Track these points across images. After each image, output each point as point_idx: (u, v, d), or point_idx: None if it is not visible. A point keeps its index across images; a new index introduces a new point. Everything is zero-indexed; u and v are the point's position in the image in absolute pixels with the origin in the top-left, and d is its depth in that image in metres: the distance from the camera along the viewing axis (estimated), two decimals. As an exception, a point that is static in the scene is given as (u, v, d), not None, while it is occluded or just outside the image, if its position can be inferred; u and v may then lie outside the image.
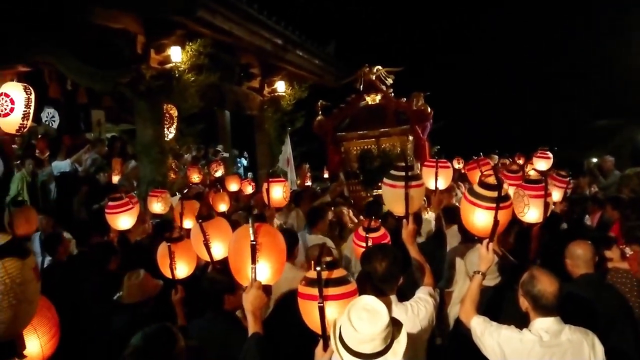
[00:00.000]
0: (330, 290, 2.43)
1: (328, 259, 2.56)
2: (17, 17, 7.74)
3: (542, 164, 8.46)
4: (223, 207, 7.43)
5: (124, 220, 5.67)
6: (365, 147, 10.33)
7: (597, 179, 10.73)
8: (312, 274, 2.47)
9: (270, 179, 5.95)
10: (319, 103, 10.51)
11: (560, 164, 9.47)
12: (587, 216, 7.35)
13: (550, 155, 8.43)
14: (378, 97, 10.21)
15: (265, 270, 2.64)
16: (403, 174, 3.50)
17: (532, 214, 4.05)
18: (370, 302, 2.19)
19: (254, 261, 2.57)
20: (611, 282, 4.18)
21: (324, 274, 2.44)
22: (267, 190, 5.82)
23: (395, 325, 2.20)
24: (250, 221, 2.60)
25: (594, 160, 15.24)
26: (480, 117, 20.95)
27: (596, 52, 20.44)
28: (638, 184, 9.71)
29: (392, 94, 10.36)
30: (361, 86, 10.29)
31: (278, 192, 5.92)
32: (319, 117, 10.28)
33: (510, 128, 21.04)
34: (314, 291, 2.41)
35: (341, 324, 2.18)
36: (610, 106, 19.89)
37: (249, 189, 9.15)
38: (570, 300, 3.35)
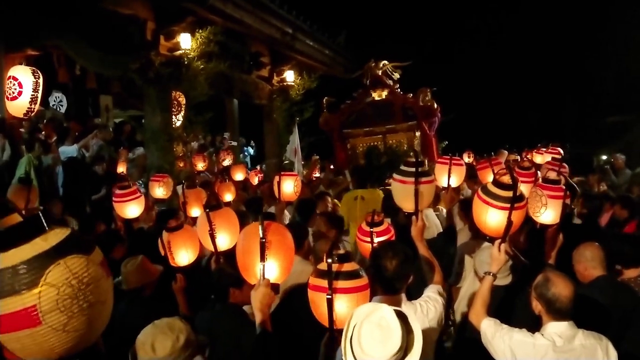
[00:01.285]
0: (340, 283, 2.42)
1: (340, 251, 2.53)
2: (26, 1, 7.69)
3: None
4: (229, 196, 7.40)
5: (131, 209, 5.63)
6: (372, 143, 10.18)
7: (609, 177, 10.62)
8: (323, 266, 2.45)
9: (282, 173, 5.89)
10: (325, 99, 10.39)
11: (571, 161, 9.37)
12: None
13: (561, 151, 8.32)
14: (384, 93, 10.06)
15: (274, 269, 2.60)
16: (413, 169, 3.43)
17: (548, 215, 3.94)
18: (387, 316, 2.03)
19: (262, 259, 2.53)
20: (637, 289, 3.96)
21: (335, 267, 2.42)
22: (279, 184, 5.76)
23: (409, 337, 2.05)
24: (260, 219, 2.55)
25: (604, 157, 15.13)
26: (490, 111, 20.81)
27: (608, 48, 20.21)
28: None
29: (399, 89, 10.22)
30: (368, 81, 10.14)
31: (289, 186, 5.86)
32: (325, 113, 10.13)
33: (520, 123, 20.91)
34: (324, 283, 2.40)
35: (353, 330, 2.06)
36: (622, 102, 19.64)
37: (255, 180, 9.11)
38: (587, 304, 3.28)
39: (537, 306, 3.00)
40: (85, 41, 8.16)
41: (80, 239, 1.61)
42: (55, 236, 1.55)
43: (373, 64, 10.14)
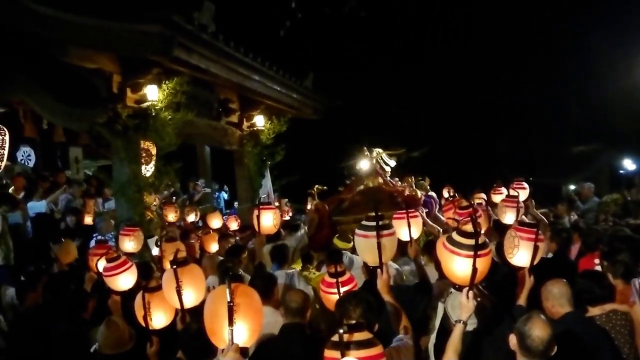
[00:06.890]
0: (353, 354, 2.30)
1: (352, 321, 2.48)
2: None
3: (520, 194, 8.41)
4: (215, 247, 7.29)
5: (124, 280, 4.81)
6: None
7: (576, 206, 10.77)
8: (336, 337, 2.34)
9: (260, 206, 5.76)
10: (315, 188, 10.19)
11: (539, 192, 9.48)
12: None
13: (526, 185, 8.36)
14: (378, 181, 9.88)
15: (242, 332, 2.57)
16: (374, 223, 3.48)
17: (520, 256, 3.98)
18: None
19: (231, 323, 2.51)
20: (607, 328, 3.95)
21: (346, 337, 2.32)
22: (258, 217, 5.64)
23: None
24: (227, 281, 2.54)
25: (572, 187, 15.39)
26: (461, 143, 21.07)
27: (574, 80, 20.71)
28: (616, 211, 9.81)
29: (391, 178, 10.08)
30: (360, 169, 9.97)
31: (268, 219, 5.73)
32: (316, 202, 9.85)
33: (490, 153, 21.25)
34: (337, 354, 2.29)
35: None
36: (588, 133, 20.06)
37: (234, 225, 9.01)
38: (561, 340, 3.31)
39: (512, 339, 3.03)
40: (50, 96, 8.14)
41: None
42: None
43: (366, 154, 10.01)
